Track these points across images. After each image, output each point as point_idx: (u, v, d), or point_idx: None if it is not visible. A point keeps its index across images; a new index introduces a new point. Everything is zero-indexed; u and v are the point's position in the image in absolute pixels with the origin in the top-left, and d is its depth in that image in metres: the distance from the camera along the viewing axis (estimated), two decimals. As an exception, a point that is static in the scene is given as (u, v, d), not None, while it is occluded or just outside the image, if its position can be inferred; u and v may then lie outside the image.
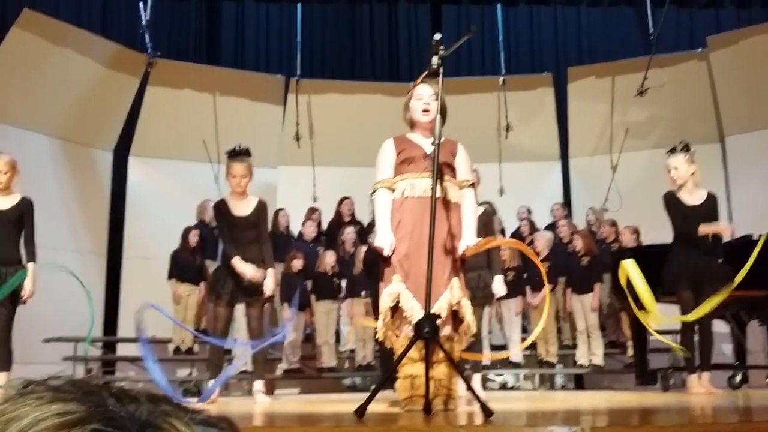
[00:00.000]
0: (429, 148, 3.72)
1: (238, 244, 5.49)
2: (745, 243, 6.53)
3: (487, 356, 7.13)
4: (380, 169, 3.92)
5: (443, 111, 3.62)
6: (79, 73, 9.27)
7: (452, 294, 3.68)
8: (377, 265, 4.04)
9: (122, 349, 9.41)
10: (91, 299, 5.82)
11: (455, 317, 3.76)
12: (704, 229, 5.37)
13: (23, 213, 5.39)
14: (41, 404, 0.47)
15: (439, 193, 3.55)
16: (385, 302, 3.67)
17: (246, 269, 5.38)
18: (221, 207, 5.60)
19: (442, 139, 3.47)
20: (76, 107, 9.34)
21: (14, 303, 5.29)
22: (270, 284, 5.49)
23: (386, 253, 3.73)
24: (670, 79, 9.37)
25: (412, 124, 4.00)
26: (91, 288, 9.21)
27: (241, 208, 5.53)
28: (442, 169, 3.70)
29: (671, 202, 5.50)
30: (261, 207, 5.61)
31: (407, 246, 3.70)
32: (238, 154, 5.53)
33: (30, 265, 5.35)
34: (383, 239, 3.75)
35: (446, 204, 3.76)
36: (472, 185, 4.02)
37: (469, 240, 3.78)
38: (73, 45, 9.12)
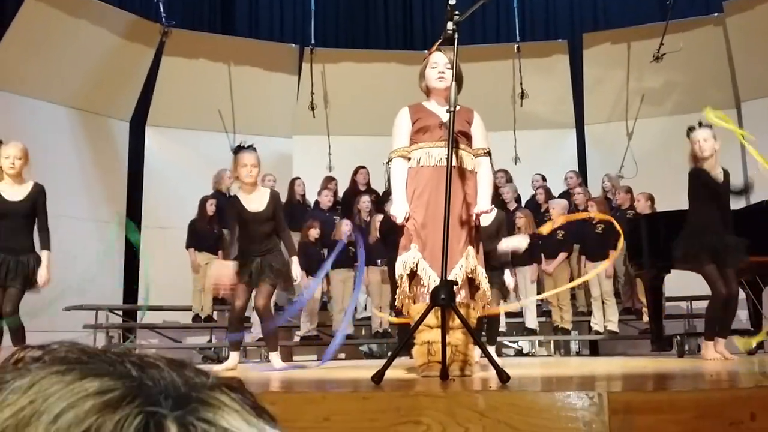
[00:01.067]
0: (445, 116, 3.70)
1: (253, 239, 5.50)
2: (762, 209, 6.52)
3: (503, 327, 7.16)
4: (396, 138, 3.92)
5: (458, 78, 3.61)
6: (95, 43, 9.29)
7: (467, 262, 3.71)
8: (393, 233, 4.06)
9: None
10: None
11: (471, 284, 3.79)
12: None
13: (36, 201, 5.41)
14: (73, 380, 0.44)
15: (454, 162, 3.56)
16: (401, 269, 3.69)
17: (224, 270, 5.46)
18: (234, 205, 5.59)
19: (457, 107, 3.48)
20: (92, 78, 9.37)
21: (25, 285, 5.33)
22: (297, 272, 5.55)
23: (399, 221, 3.75)
24: (686, 44, 9.28)
25: (428, 92, 3.99)
26: (110, 257, 9.37)
27: (255, 203, 5.50)
28: (457, 138, 3.69)
29: (703, 178, 5.44)
30: (275, 199, 5.61)
31: (424, 215, 3.71)
32: (245, 147, 5.55)
33: (44, 253, 5.38)
34: (398, 208, 3.77)
35: (462, 172, 3.76)
36: (488, 153, 4.01)
37: (483, 205, 3.79)
38: (87, 15, 9.13)
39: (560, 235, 8.39)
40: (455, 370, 3.52)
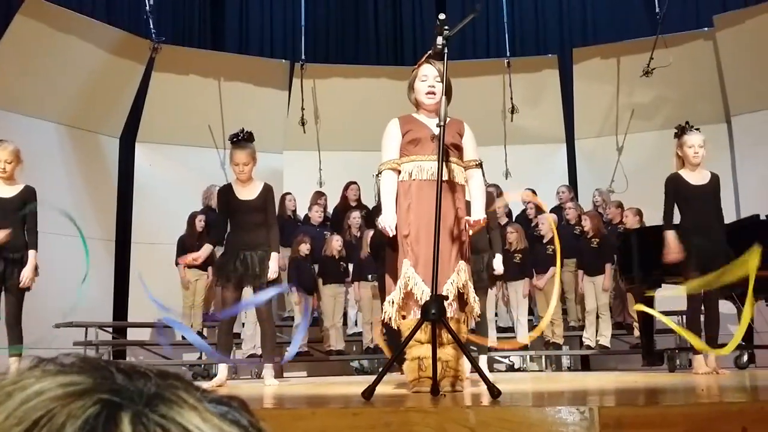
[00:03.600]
0: (436, 129, 3.67)
1: (242, 228, 5.52)
2: (752, 223, 6.54)
3: (494, 342, 7.15)
4: (386, 150, 3.88)
5: (448, 90, 3.61)
6: (85, 60, 9.28)
7: (459, 277, 3.69)
8: (383, 248, 4.03)
9: (132, 334, 9.47)
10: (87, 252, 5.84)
11: (461, 299, 3.78)
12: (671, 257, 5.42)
13: (26, 201, 5.45)
14: (46, 377, 0.47)
15: (446, 176, 3.55)
16: (400, 287, 3.66)
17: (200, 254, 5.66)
18: (226, 191, 5.65)
19: (447, 119, 3.47)
20: (82, 94, 9.36)
21: (21, 289, 5.36)
22: (273, 267, 5.52)
23: (389, 233, 3.71)
24: (676, 59, 9.33)
25: (417, 105, 3.96)
26: (100, 274, 9.33)
27: (246, 193, 5.55)
28: (448, 151, 3.68)
29: (673, 185, 5.48)
30: (267, 191, 5.61)
31: (417, 230, 3.68)
32: (239, 140, 5.53)
33: (30, 253, 5.41)
34: (386, 221, 3.73)
35: (453, 186, 3.75)
36: (479, 165, 3.98)
37: (476, 214, 3.77)
38: (77, 32, 9.12)
39: (550, 249, 8.40)
40: (446, 386, 3.49)
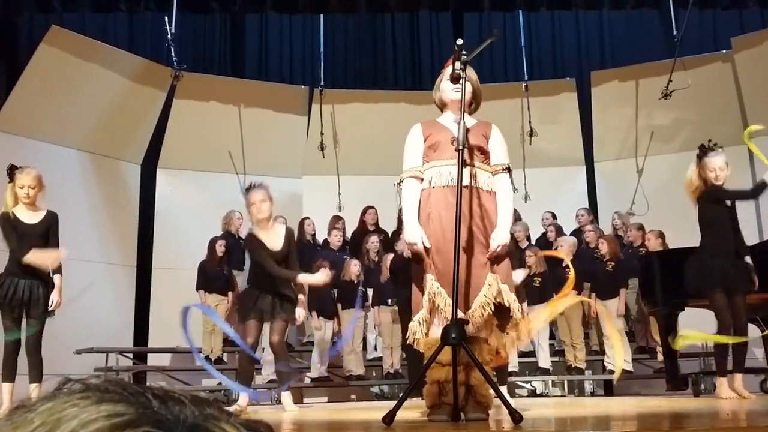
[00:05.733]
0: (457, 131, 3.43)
1: (268, 276, 5.57)
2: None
3: (515, 367, 7.07)
4: (407, 157, 3.65)
5: (477, 93, 3.64)
6: (106, 87, 9.40)
7: (490, 290, 3.38)
8: (404, 272, 3.92)
9: (152, 360, 9.49)
10: None
11: (501, 312, 3.47)
12: None
13: (49, 227, 5.51)
14: (89, 405, 0.47)
15: (467, 181, 3.36)
16: (427, 305, 3.40)
17: (317, 279, 5.73)
18: (254, 241, 5.64)
19: (474, 122, 3.41)
20: (104, 121, 9.46)
21: (44, 316, 5.40)
22: (302, 312, 5.70)
23: (418, 247, 3.43)
24: (694, 81, 9.30)
25: (443, 104, 3.76)
26: (121, 300, 9.38)
27: (272, 240, 5.60)
28: (472, 154, 3.47)
29: (719, 195, 5.43)
30: (290, 236, 5.73)
31: (437, 240, 3.43)
32: (251, 187, 5.65)
33: (56, 278, 5.47)
34: (411, 233, 3.45)
35: (477, 192, 3.47)
36: (507, 169, 3.64)
37: (500, 237, 3.44)
38: (99, 60, 9.25)
39: (569, 273, 8.35)
40: (470, 410, 3.34)
